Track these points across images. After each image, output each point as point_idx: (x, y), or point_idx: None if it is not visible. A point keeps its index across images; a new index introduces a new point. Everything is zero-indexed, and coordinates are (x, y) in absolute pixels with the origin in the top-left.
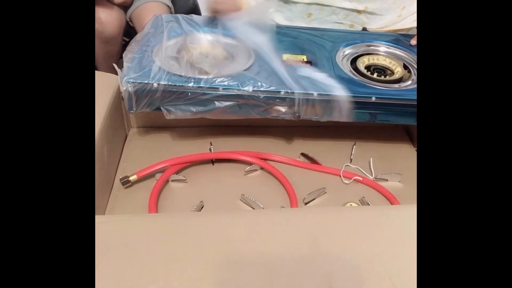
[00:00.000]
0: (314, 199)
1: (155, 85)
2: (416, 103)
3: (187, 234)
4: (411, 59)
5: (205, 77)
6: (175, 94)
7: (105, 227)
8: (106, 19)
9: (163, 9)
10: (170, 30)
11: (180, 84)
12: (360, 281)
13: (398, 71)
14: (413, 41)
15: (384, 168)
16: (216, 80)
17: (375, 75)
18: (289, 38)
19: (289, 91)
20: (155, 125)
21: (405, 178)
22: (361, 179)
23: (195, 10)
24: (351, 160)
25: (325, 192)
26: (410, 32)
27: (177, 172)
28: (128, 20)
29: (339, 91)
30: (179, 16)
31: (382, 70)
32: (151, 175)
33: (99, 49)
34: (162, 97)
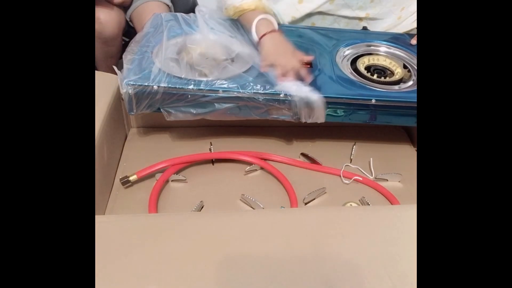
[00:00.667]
0: (314, 199)
1: (155, 87)
2: (416, 106)
3: (187, 234)
4: (411, 59)
5: (205, 79)
6: (175, 96)
7: (105, 227)
8: (106, 19)
9: (163, 9)
10: (169, 29)
11: (180, 87)
12: (360, 281)
13: (398, 71)
14: (413, 41)
15: (384, 168)
16: (216, 82)
17: (375, 76)
18: (291, 39)
19: (288, 93)
20: (155, 125)
21: (405, 178)
22: (361, 179)
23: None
24: (351, 160)
25: (325, 192)
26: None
27: (177, 172)
28: (128, 20)
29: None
30: (179, 15)
31: (382, 71)
32: (151, 175)
33: (99, 49)
34: (162, 99)
